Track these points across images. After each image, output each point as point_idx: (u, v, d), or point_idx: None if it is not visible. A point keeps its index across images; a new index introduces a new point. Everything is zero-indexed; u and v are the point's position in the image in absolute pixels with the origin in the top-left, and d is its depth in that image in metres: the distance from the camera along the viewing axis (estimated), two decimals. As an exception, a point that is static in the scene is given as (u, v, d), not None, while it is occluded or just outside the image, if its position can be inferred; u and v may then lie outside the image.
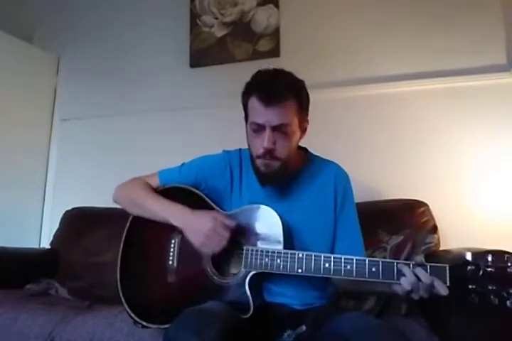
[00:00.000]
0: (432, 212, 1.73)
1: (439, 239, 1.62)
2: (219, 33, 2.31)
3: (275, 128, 1.09)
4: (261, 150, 1.11)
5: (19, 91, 2.41)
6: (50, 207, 2.50)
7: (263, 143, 1.09)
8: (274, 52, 2.18)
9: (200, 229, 1.08)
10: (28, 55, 2.50)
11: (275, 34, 2.20)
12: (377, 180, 1.93)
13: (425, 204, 1.73)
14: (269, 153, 1.10)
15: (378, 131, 1.98)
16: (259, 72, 1.15)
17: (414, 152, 1.92)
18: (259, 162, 1.14)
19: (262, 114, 1.09)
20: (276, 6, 2.22)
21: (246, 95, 1.15)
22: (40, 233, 2.48)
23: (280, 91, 1.08)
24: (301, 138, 1.19)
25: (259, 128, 1.11)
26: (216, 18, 2.33)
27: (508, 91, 1.82)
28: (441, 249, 1.60)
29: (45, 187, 2.54)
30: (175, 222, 1.13)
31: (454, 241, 1.70)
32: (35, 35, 2.71)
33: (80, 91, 2.58)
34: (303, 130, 1.18)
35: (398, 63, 1.99)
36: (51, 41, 2.67)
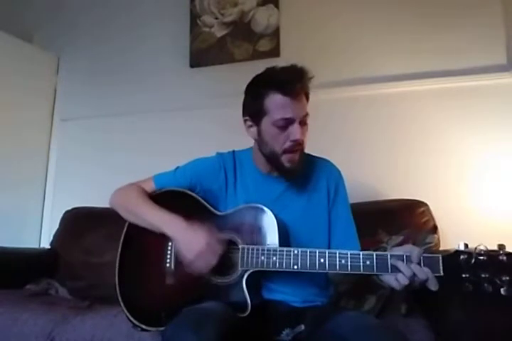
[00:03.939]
0: (432, 212, 1.73)
1: (439, 239, 1.62)
2: (219, 33, 2.31)
3: (301, 120, 1.12)
4: (288, 144, 1.12)
5: (19, 92, 2.41)
6: (50, 207, 2.50)
7: (294, 136, 1.11)
8: (274, 52, 2.18)
9: (192, 244, 1.07)
10: (28, 55, 2.50)
11: (275, 34, 2.20)
12: (378, 180, 1.93)
13: (425, 204, 1.73)
14: (298, 145, 1.13)
15: (378, 131, 1.99)
16: (274, 70, 1.16)
17: (414, 152, 1.92)
18: (285, 158, 1.14)
19: (291, 108, 1.11)
20: (276, 6, 2.23)
21: (262, 94, 1.13)
22: (40, 233, 2.48)
23: (303, 84, 1.12)
24: None
25: (286, 124, 1.11)
26: (216, 18, 2.33)
27: (508, 91, 1.82)
28: (441, 249, 1.60)
29: (45, 187, 2.54)
30: (169, 233, 1.12)
31: (454, 241, 1.68)
32: (35, 35, 2.71)
33: (80, 92, 2.58)
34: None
35: (398, 63, 1.99)
36: (51, 41, 2.67)
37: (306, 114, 1.14)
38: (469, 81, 1.87)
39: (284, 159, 1.14)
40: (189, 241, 1.08)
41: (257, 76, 1.19)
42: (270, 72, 1.16)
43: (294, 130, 1.11)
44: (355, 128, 2.02)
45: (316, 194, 1.23)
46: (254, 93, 1.16)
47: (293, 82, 1.10)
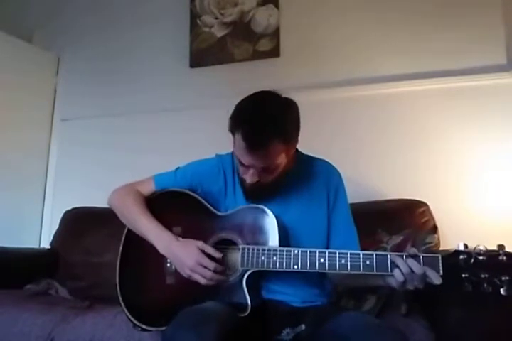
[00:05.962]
0: (432, 212, 1.73)
1: (439, 239, 1.62)
2: (219, 33, 2.31)
3: (261, 168, 1.09)
4: (244, 177, 1.12)
5: (19, 92, 2.42)
6: (50, 207, 2.50)
7: (247, 178, 1.11)
8: (274, 52, 2.17)
9: (184, 261, 1.09)
10: (28, 55, 2.50)
11: (275, 34, 2.20)
12: (377, 180, 1.93)
13: (425, 204, 1.73)
14: (254, 184, 1.11)
15: (378, 131, 1.99)
16: (243, 107, 1.10)
17: (414, 152, 1.92)
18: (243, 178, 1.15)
19: (247, 157, 1.06)
20: (276, 6, 2.22)
21: (232, 127, 1.09)
22: (40, 233, 2.48)
23: (264, 136, 1.02)
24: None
25: (243, 165, 1.10)
26: (216, 18, 2.33)
27: (508, 91, 1.82)
28: (441, 248, 1.60)
29: (45, 187, 2.54)
30: (161, 251, 1.14)
31: (454, 241, 1.68)
32: (35, 35, 2.71)
33: (79, 92, 2.58)
34: (292, 152, 1.16)
35: (398, 63, 1.99)
36: (51, 41, 2.67)
37: (269, 165, 1.07)
38: (469, 81, 1.87)
39: (243, 179, 1.15)
40: (180, 258, 1.10)
41: (241, 101, 1.11)
42: (241, 106, 1.10)
43: (247, 173, 1.10)
44: (355, 128, 2.02)
45: (315, 195, 1.22)
46: (231, 119, 1.10)
47: (250, 131, 1.03)
